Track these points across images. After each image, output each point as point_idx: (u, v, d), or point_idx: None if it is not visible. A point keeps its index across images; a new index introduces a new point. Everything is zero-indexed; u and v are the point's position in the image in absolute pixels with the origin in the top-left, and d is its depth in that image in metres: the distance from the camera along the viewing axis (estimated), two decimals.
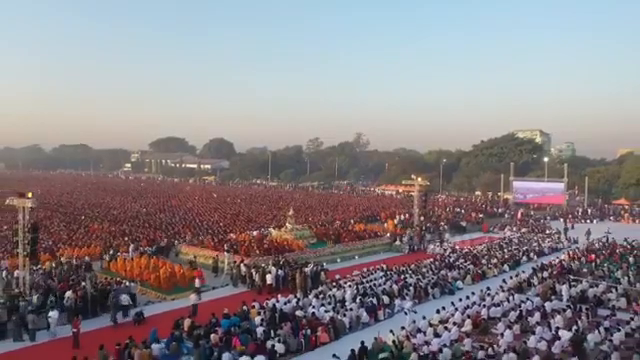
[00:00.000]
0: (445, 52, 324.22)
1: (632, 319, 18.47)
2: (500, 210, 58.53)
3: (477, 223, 47.84)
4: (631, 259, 30.14)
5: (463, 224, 45.21)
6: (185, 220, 46.15)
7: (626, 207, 62.03)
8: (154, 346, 15.36)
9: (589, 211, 59.06)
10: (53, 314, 17.59)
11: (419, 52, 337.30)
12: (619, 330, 17.05)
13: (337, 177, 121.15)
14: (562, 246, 36.01)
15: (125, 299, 19.71)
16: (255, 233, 34.66)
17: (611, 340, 16.20)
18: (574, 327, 17.30)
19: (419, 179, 42.43)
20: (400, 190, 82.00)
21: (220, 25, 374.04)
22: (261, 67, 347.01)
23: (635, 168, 67.78)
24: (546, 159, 73.69)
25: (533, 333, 16.88)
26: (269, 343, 15.65)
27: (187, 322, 17.39)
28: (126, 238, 34.64)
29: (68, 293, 19.07)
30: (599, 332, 16.94)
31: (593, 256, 31.16)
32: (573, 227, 45.64)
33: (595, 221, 52.48)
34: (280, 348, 15.47)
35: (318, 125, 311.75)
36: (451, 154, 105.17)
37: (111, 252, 27.90)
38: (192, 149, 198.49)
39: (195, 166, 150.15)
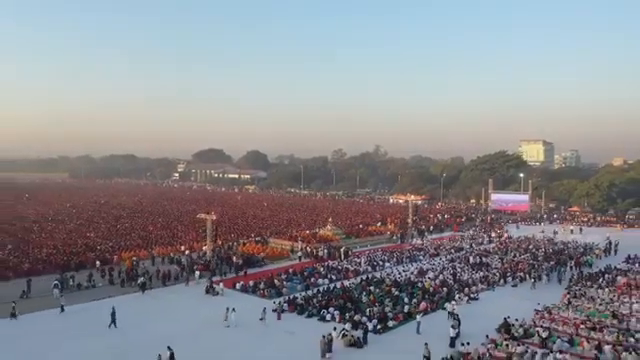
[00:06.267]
0: (459, 64, 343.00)
1: (495, 268, 40.28)
2: (474, 216, 79.83)
3: (445, 224, 69.18)
4: (531, 246, 51.44)
5: (440, 227, 66.88)
6: (257, 223, 68.78)
7: (577, 213, 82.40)
8: (281, 276, 37.81)
9: (545, 216, 79.80)
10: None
11: (433, 63, 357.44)
12: (481, 270, 38.89)
13: (358, 185, 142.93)
14: (497, 240, 57.16)
15: (259, 261, 42.53)
16: (308, 232, 57.22)
17: (474, 277, 37.93)
18: (462, 273, 39.11)
19: (412, 196, 64.36)
20: (410, 199, 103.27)
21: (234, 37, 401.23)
22: (277, 73, 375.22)
23: (590, 182, 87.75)
24: (522, 174, 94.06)
25: (442, 274, 38.77)
26: (329, 275, 37.96)
27: (290, 269, 39.82)
28: (232, 235, 57.44)
29: (234, 258, 41.79)
30: (474, 274, 38.71)
31: (510, 245, 52.54)
32: (507, 230, 66.23)
33: (543, 224, 73.14)
34: (333, 277, 37.78)
35: (340, 131, 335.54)
36: (453, 167, 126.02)
37: (237, 242, 50.99)
38: (229, 159, 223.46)
39: (236, 176, 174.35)
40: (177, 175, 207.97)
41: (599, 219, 74.97)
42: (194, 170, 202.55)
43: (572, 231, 63.58)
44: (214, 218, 42.95)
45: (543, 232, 61.72)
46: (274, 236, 54.80)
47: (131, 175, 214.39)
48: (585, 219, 74.74)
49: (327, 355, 22.16)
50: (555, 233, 60.12)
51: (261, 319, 27.22)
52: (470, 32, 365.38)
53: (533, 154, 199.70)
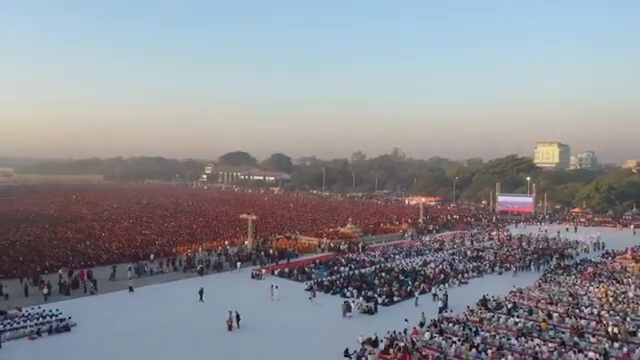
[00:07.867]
0: (476, 66, 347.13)
1: (487, 260, 48.49)
2: (481, 216, 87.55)
3: (453, 224, 77.20)
4: (523, 243, 59.26)
5: (448, 226, 75.08)
6: (285, 222, 77.89)
7: (578, 214, 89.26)
8: (310, 265, 46.77)
9: (547, 217, 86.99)
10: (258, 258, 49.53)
11: (448, 65, 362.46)
12: (475, 262, 47.20)
13: (377, 187, 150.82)
14: (496, 237, 65.01)
15: (291, 253, 51.59)
16: (331, 229, 66.21)
17: (467, 266, 46.21)
18: (458, 264, 47.43)
19: (423, 199, 72.66)
20: (421, 201, 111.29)
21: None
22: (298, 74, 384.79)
23: (591, 185, 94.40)
24: (528, 178, 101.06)
25: (442, 264, 47.17)
26: (349, 265, 46.78)
27: (317, 260, 48.74)
28: (265, 232, 66.69)
29: (271, 251, 50.95)
30: (467, 264, 46.99)
31: (506, 242, 60.45)
32: (507, 229, 73.63)
33: (544, 224, 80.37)
34: (352, 266, 46.55)
35: (359, 132, 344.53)
36: (466, 170, 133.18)
37: (271, 237, 60.26)
38: (254, 161, 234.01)
39: (261, 178, 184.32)
40: (205, 177, 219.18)
41: (596, 220, 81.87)
42: (221, 172, 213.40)
43: (567, 229, 71.03)
44: (254, 218, 52.12)
45: (540, 231, 69.26)
46: (302, 233, 63.90)
47: (161, 177, 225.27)
48: (583, 220, 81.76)
49: (347, 314, 31.02)
50: (546, 232, 67.60)
51: (310, 298, 35.83)
52: (486, 33, 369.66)
53: (548, 156, 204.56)
